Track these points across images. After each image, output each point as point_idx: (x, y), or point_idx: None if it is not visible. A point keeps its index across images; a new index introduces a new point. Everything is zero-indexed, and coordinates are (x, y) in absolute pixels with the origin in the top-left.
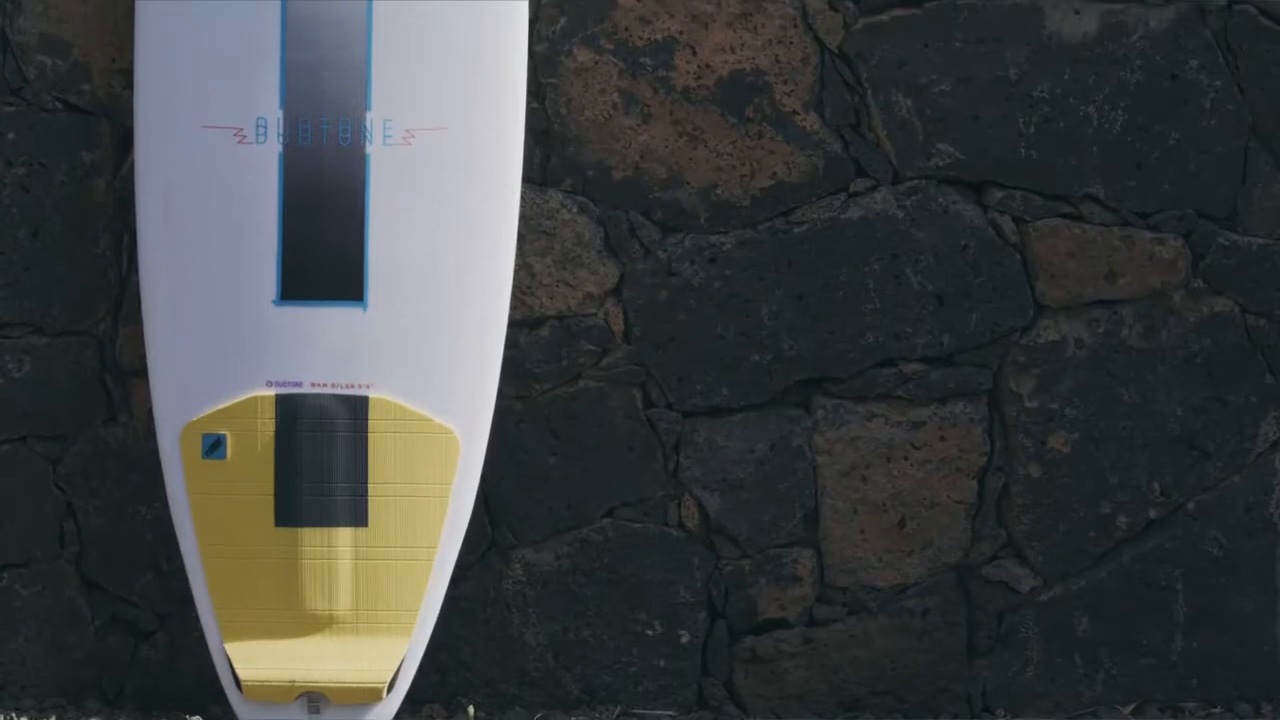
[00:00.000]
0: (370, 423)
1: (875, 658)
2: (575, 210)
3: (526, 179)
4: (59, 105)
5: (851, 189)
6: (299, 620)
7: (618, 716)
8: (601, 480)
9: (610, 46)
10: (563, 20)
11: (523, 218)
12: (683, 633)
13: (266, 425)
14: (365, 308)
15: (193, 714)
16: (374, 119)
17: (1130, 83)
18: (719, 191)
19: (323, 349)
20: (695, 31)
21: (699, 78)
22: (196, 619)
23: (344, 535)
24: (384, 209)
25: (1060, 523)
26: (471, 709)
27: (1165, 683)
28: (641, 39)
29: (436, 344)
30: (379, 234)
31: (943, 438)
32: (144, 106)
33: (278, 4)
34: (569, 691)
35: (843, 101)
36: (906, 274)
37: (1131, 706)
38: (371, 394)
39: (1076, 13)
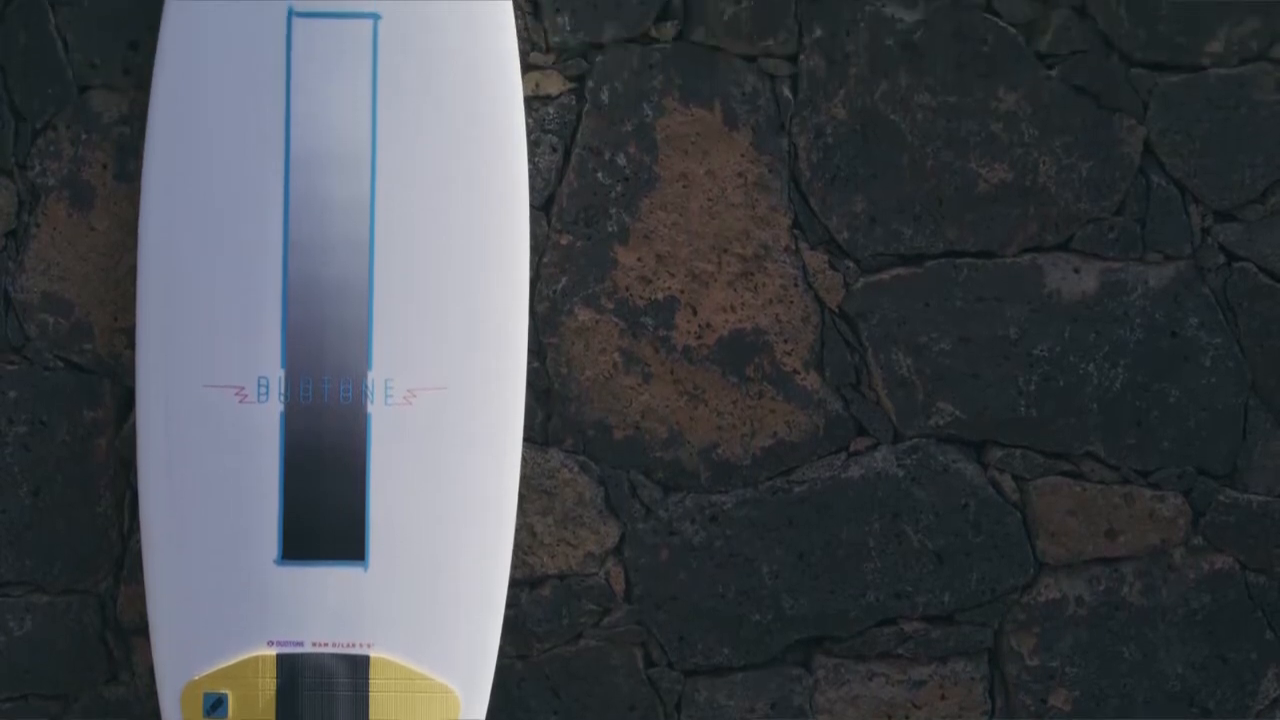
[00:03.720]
0: (371, 682)
1: None
2: (576, 469)
3: (527, 438)
4: (61, 364)
5: (852, 448)
6: None
7: None
8: None
9: (611, 306)
10: (564, 279)
11: (523, 477)
12: None
13: (267, 684)
14: (366, 567)
15: None
16: (375, 379)
17: (1130, 340)
18: (720, 451)
19: (324, 608)
20: (696, 291)
21: (700, 337)
22: None
23: None
24: (385, 468)
25: None
26: None
27: None
28: (642, 298)
29: (437, 603)
30: (380, 493)
31: (943, 696)
32: (145, 366)
33: (279, 264)
34: None
35: (843, 360)
36: (907, 532)
37: None
38: (372, 653)
39: (1076, 271)
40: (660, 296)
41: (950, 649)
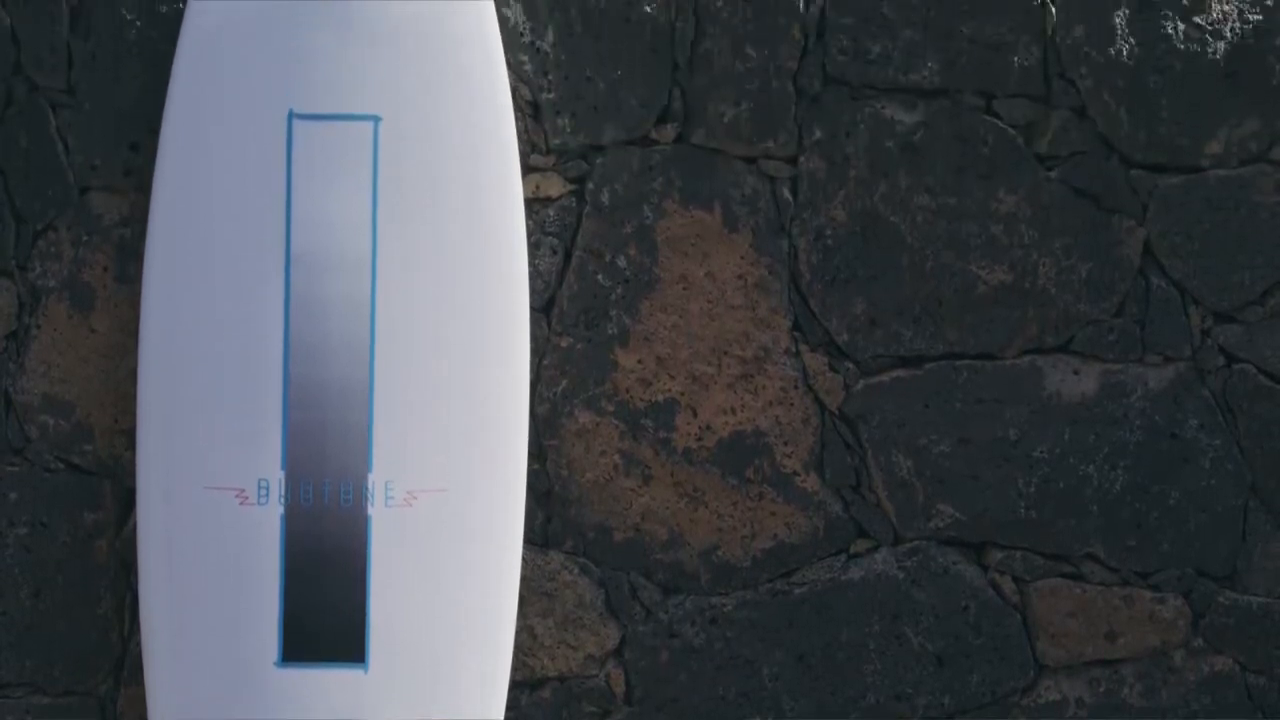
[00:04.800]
0: None
1: None
2: (576, 571)
3: (528, 540)
4: (61, 465)
5: (852, 550)
6: None
7: None
8: None
9: (611, 408)
10: (564, 381)
11: (524, 579)
12: None
13: None
14: (367, 669)
15: None
16: (375, 480)
17: (1130, 442)
18: (720, 553)
19: (324, 711)
20: (696, 393)
21: (700, 439)
22: None
23: None
24: (385, 570)
25: None
26: None
27: None
28: (643, 400)
29: (438, 705)
30: (380, 595)
31: None
32: (146, 467)
33: (280, 365)
34: None
35: (843, 462)
36: (907, 634)
37: None
38: None
39: (1076, 373)
40: (660, 399)
41: None
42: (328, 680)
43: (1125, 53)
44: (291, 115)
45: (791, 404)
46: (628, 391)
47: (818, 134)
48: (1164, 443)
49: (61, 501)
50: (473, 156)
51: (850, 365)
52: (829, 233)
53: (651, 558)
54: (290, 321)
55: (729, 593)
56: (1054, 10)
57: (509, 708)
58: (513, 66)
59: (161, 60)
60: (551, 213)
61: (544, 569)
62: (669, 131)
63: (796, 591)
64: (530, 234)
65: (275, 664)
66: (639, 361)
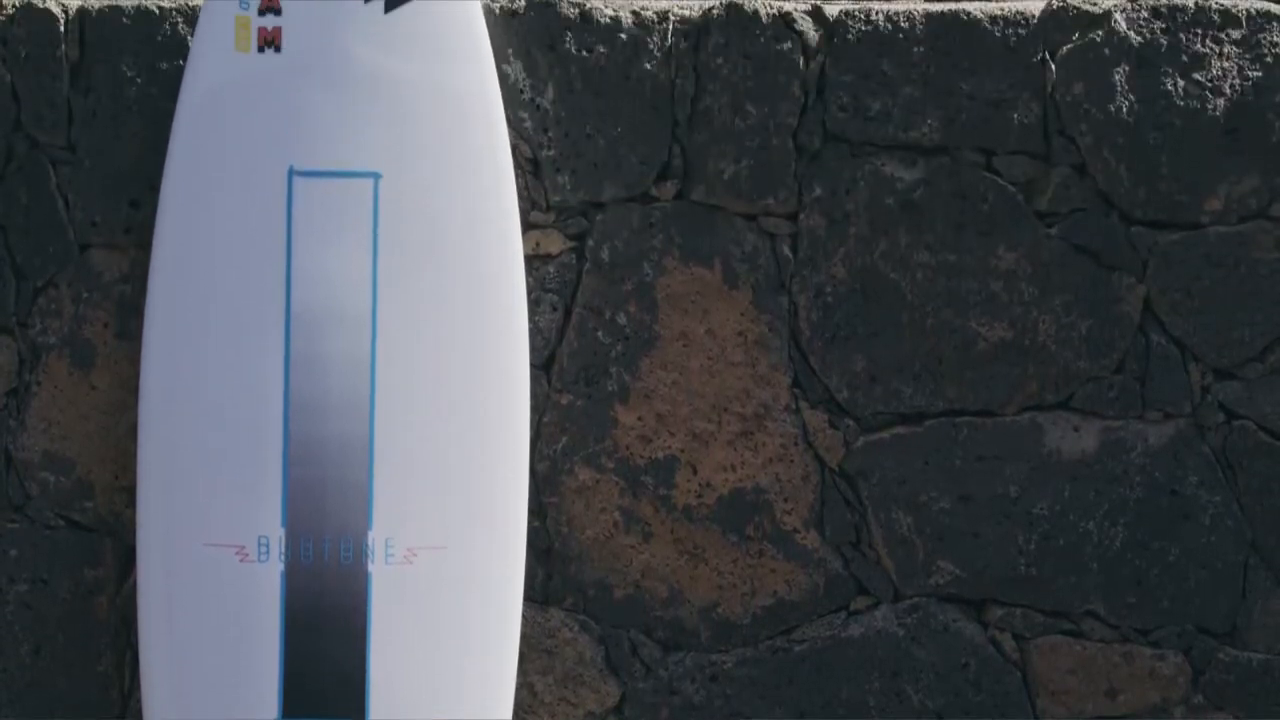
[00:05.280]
0: None
1: None
2: (576, 629)
3: (528, 597)
4: (62, 522)
5: (852, 607)
6: None
7: None
8: None
9: (611, 465)
10: (564, 438)
11: (524, 636)
12: None
13: None
14: None
15: None
16: (375, 538)
17: (1130, 499)
18: (720, 610)
19: None
20: (696, 450)
21: (700, 496)
22: None
23: None
24: (385, 627)
25: None
26: None
27: None
28: (643, 457)
29: None
30: (380, 652)
31: None
32: (146, 524)
33: (280, 422)
34: None
35: (843, 519)
36: (907, 691)
37: None
38: None
39: (1076, 430)
40: (660, 455)
41: None
42: None
43: (1125, 109)
44: (292, 172)
45: (791, 461)
46: (628, 448)
47: (818, 191)
48: (1164, 499)
49: (62, 558)
50: (473, 213)
51: (850, 422)
52: (829, 289)
53: (651, 615)
54: (290, 378)
55: (729, 650)
56: (1054, 68)
57: None
58: (513, 124)
59: (162, 117)
60: (552, 269)
61: (544, 626)
62: (669, 188)
63: (797, 649)
64: (530, 291)
65: None
66: (639, 418)
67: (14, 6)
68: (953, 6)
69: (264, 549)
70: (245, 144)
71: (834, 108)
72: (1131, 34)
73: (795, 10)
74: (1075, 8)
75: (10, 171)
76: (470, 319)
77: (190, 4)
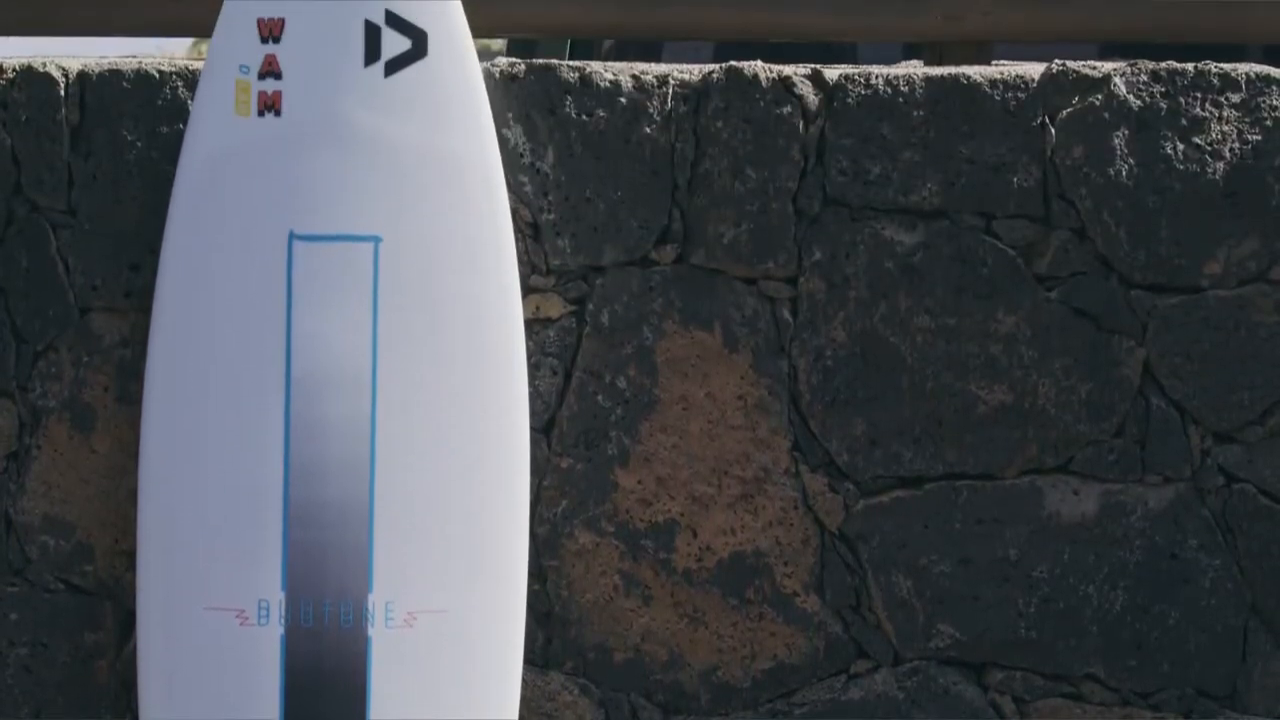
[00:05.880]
0: None
1: None
2: (577, 692)
3: (528, 661)
4: (61, 586)
5: (852, 670)
6: None
7: None
8: None
9: (611, 529)
10: (564, 502)
11: (524, 700)
12: None
13: None
14: None
15: None
16: (376, 601)
17: (1130, 562)
18: (720, 673)
19: None
20: (696, 514)
21: (700, 559)
22: None
23: None
24: (385, 691)
25: None
26: None
27: None
28: (643, 521)
29: None
30: (380, 716)
31: None
32: (146, 588)
33: (280, 485)
34: None
35: (843, 582)
36: None
37: None
38: None
39: (1075, 493)
40: (660, 519)
41: None
42: None
43: (1124, 173)
44: (292, 236)
45: (791, 524)
46: (628, 512)
47: (817, 254)
48: (1164, 563)
49: (62, 622)
50: (473, 277)
51: (850, 486)
52: (829, 353)
53: (652, 678)
54: (290, 442)
55: (729, 713)
56: (1053, 132)
57: None
58: (513, 187)
59: (162, 181)
60: (551, 333)
61: (544, 689)
62: (669, 252)
63: (797, 712)
64: (530, 355)
65: None
66: (639, 482)
67: (14, 70)
68: (952, 70)
69: (264, 612)
70: (245, 208)
71: (834, 171)
72: (1131, 97)
73: (795, 74)
74: (1075, 71)
75: (10, 235)
76: (470, 383)
77: (190, 68)
